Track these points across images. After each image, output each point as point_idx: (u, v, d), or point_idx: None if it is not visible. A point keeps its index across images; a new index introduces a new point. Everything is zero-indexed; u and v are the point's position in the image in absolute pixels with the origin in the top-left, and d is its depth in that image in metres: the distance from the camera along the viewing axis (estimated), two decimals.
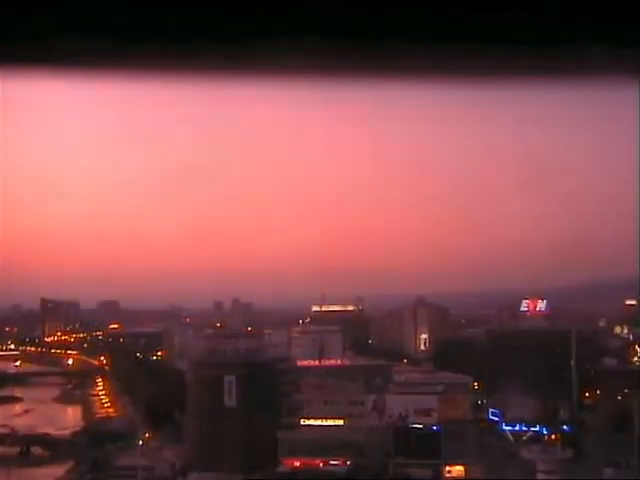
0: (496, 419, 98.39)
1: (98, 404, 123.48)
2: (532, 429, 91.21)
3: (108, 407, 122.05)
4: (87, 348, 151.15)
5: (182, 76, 3.56)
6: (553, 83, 3.71)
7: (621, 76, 3.53)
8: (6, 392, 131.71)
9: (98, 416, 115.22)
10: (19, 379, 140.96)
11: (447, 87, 3.76)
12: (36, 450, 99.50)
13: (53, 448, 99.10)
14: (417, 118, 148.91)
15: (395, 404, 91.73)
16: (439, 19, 3.27)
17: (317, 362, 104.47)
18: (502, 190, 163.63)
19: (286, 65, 3.45)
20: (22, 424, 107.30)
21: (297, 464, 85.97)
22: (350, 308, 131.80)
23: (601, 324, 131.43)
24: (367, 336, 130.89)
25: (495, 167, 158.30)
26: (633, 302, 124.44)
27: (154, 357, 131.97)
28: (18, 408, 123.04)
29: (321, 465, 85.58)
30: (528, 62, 3.48)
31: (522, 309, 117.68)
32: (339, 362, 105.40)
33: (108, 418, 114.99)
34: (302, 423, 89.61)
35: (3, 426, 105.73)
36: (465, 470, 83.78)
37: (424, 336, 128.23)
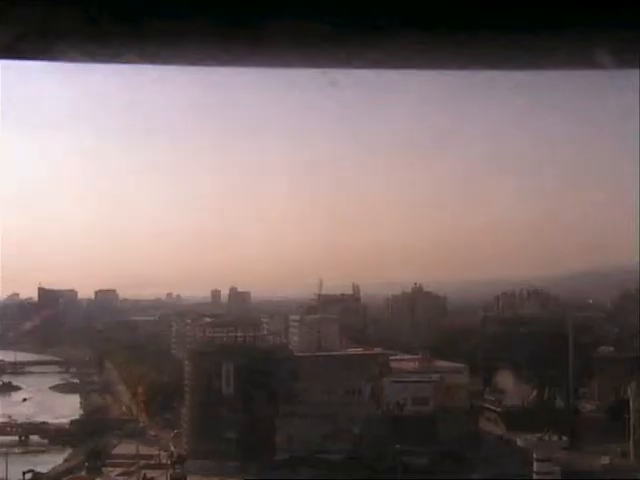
0: (493, 407, 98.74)
1: (96, 393, 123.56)
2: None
3: (106, 396, 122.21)
4: (85, 336, 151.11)
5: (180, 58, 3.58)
6: (554, 70, 3.74)
7: (623, 63, 3.57)
8: (4, 381, 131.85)
9: (96, 405, 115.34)
10: (17, 368, 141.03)
11: (446, 73, 3.79)
12: (34, 439, 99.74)
13: (52, 437, 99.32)
14: (418, 103, 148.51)
15: (392, 392, 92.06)
16: (439, 6, 3.32)
17: (314, 351, 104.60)
18: (501, 178, 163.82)
19: (289, 51, 3.48)
20: (20, 413, 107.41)
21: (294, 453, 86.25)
22: (347, 297, 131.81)
23: (599, 312, 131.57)
24: (364, 325, 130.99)
25: (495, 155, 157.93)
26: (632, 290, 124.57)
27: (152, 346, 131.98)
28: (16, 397, 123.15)
29: (318, 453, 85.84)
30: (528, 48, 3.51)
31: (520, 297, 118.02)
32: (336, 351, 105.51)
33: (106, 407, 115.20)
34: (299, 411, 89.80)
35: (1, 415, 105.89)
36: None
37: (421, 324, 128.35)
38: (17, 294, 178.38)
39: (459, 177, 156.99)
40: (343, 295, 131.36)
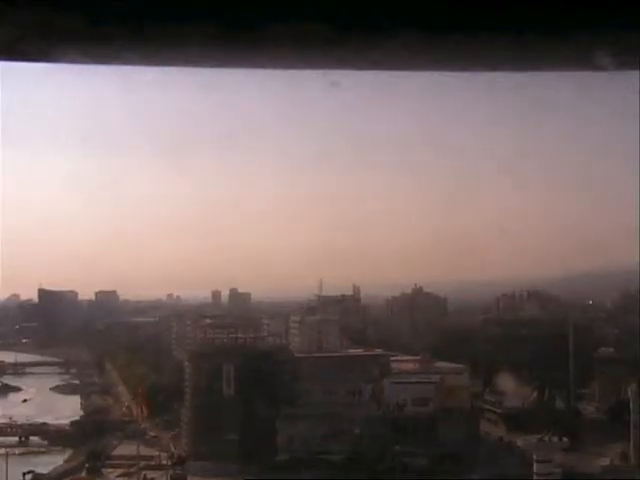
0: (493, 408, 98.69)
1: (97, 394, 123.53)
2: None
3: (106, 397, 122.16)
4: (85, 337, 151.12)
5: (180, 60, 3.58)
6: (553, 71, 3.73)
7: (623, 65, 3.57)
8: (4, 381, 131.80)
9: (97, 406, 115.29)
10: (18, 369, 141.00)
11: (449, 75, 3.79)
12: (35, 440, 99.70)
13: (52, 438, 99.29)
14: (419, 106, 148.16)
15: (392, 393, 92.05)
16: (439, 6, 3.31)
17: (315, 352, 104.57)
18: (502, 179, 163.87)
19: (290, 52, 3.48)
20: (21, 414, 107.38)
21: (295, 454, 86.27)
22: (348, 298, 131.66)
23: (599, 313, 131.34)
24: (365, 326, 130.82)
25: (495, 156, 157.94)
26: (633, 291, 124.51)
27: (152, 347, 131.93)
28: (17, 398, 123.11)
29: (319, 454, 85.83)
30: (528, 50, 3.50)
31: (520, 298, 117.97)
32: (336, 352, 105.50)
33: (107, 408, 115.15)
34: (300, 412, 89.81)
35: (2, 416, 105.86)
36: None
37: (421, 325, 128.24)
38: (17, 295, 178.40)
39: (459, 177, 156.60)
40: (343, 296, 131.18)
